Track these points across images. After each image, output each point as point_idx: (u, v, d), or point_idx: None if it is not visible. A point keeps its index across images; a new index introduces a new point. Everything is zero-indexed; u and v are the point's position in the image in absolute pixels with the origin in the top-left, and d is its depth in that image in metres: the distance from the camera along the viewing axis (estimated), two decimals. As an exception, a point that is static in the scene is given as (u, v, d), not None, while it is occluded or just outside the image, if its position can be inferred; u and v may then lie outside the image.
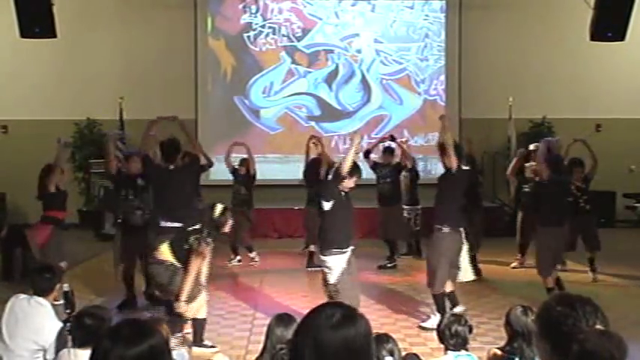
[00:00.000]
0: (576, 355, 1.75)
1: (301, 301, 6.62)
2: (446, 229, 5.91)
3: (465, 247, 6.04)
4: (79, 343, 3.33)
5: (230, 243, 8.57)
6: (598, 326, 1.82)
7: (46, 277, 4.04)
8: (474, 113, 12.94)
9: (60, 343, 3.72)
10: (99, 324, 3.31)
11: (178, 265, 5.05)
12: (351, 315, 1.67)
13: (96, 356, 1.76)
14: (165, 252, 5.12)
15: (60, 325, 3.90)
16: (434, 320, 5.98)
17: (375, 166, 8.72)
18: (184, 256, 5.02)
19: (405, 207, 8.86)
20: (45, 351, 3.84)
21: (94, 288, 7.22)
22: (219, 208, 5.07)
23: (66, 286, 4.57)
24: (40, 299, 3.98)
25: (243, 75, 13.07)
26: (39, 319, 3.90)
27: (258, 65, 13.07)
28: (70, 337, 3.53)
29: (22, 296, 4.06)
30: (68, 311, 4.20)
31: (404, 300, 7.05)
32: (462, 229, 5.99)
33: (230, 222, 5.15)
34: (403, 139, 9.54)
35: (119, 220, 6.76)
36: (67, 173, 7.06)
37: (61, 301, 4.44)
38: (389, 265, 8.63)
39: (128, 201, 6.49)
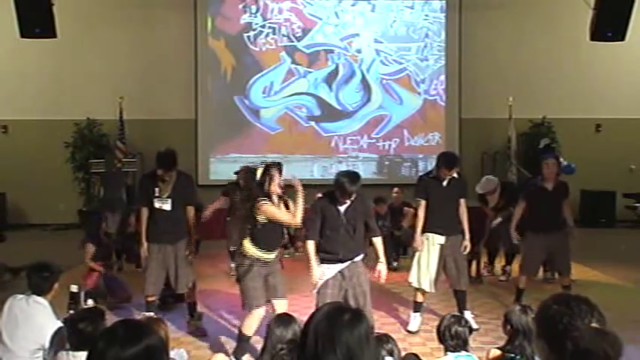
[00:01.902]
0: (571, 353, 1.76)
1: (301, 302, 6.61)
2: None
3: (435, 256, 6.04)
4: (74, 347, 3.32)
5: None
6: (593, 324, 1.82)
7: (44, 276, 4.02)
8: (474, 113, 12.95)
9: (58, 344, 3.71)
10: (93, 327, 3.30)
11: (265, 256, 4.93)
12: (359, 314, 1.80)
13: (92, 357, 1.76)
14: (249, 248, 4.93)
15: (60, 324, 3.89)
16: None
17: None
18: (268, 244, 4.91)
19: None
20: (44, 350, 3.83)
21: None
22: (259, 170, 4.87)
23: (74, 287, 4.57)
24: (39, 298, 3.97)
25: (243, 75, 13.06)
26: (40, 318, 3.89)
27: (258, 65, 13.06)
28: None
29: (20, 296, 4.05)
30: (72, 312, 4.19)
31: (403, 300, 7.04)
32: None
33: (276, 180, 4.85)
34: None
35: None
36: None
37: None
38: (394, 264, 8.70)
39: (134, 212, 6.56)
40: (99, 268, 6.89)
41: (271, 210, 4.83)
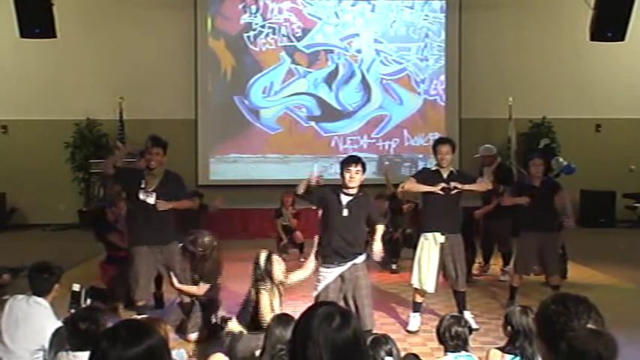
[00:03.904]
0: (565, 353, 1.77)
1: (301, 301, 6.61)
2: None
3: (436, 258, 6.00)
4: (75, 347, 3.31)
5: None
6: (589, 325, 1.82)
7: (44, 277, 4.02)
8: (474, 113, 12.95)
9: (57, 345, 3.71)
10: (94, 327, 3.29)
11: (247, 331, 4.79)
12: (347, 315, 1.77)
13: (94, 357, 1.76)
14: (234, 326, 4.84)
15: (60, 325, 3.90)
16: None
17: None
18: (250, 321, 4.82)
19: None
20: (45, 351, 3.83)
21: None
22: (262, 256, 4.89)
23: (76, 286, 4.56)
24: (39, 299, 3.97)
25: (243, 75, 13.06)
26: (40, 319, 3.90)
27: (258, 65, 13.07)
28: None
29: (20, 297, 4.05)
30: (73, 311, 4.19)
31: (403, 300, 7.04)
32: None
33: (279, 268, 4.89)
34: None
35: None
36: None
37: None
38: (394, 266, 8.68)
39: None
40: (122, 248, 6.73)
41: (264, 303, 4.78)
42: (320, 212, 5.36)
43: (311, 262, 5.20)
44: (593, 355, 1.72)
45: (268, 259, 4.88)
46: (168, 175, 5.85)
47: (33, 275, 4.07)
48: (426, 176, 6.17)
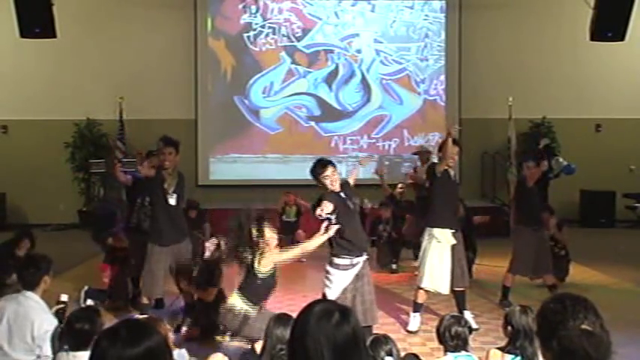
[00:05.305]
0: (556, 351, 1.77)
1: (301, 301, 6.60)
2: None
3: (447, 257, 5.93)
4: (72, 347, 3.31)
5: None
6: (584, 325, 1.82)
7: (30, 272, 4.08)
8: (474, 113, 12.94)
9: (57, 344, 3.71)
10: (91, 327, 3.30)
11: (250, 308, 4.62)
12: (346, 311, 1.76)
13: (94, 357, 1.76)
14: (235, 299, 4.67)
15: (52, 319, 3.94)
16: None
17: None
18: (255, 298, 4.65)
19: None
20: (40, 347, 3.85)
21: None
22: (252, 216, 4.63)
23: (64, 297, 4.52)
24: (29, 293, 4.04)
25: (243, 75, 13.06)
26: (29, 313, 3.96)
27: (258, 65, 13.06)
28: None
29: (11, 296, 4.10)
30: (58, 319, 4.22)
31: (403, 300, 7.04)
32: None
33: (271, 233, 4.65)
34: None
35: (130, 225, 6.80)
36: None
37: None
38: (394, 266, 8.67)
39: (144, 208, 6.51)
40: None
41: (275, 257, 4.65)
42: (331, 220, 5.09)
43: (318, 240, 4.84)
44: (582, 355, 1.72)
45: (259, 220, 4.60)
46: (180, 176, 6.11)
47: (21, 270, 4.17)
48: (444, 180, 6.08)
